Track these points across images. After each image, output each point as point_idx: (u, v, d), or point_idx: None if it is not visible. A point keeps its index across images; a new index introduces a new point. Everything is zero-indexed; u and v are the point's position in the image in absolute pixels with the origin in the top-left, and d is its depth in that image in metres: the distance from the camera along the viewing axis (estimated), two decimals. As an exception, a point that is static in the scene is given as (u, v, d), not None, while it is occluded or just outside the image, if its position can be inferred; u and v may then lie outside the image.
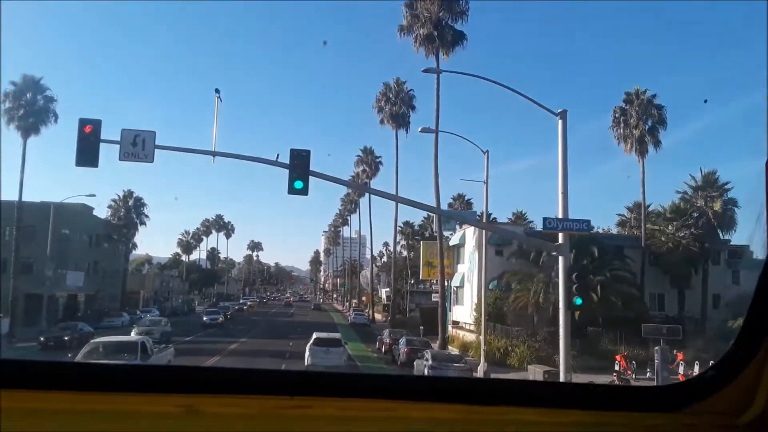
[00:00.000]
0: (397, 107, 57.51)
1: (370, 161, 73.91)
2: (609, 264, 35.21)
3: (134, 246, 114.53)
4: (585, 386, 2.37)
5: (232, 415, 1.85)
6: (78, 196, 55.75)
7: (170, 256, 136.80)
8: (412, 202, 22.54)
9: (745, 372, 2.00)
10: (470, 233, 42.37)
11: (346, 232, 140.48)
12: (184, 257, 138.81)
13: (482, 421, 1.90)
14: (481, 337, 29.78)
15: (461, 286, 43.92)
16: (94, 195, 52.67)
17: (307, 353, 27.18)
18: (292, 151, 19.59)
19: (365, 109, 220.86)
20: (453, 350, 34.88)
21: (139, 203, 70.05)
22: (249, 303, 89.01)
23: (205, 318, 55.49)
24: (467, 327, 42.73)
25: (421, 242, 47.20)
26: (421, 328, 43.86)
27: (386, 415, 1.90)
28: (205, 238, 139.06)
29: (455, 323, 46.20)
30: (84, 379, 1.95)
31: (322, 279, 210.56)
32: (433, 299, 46.19)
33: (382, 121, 58.41)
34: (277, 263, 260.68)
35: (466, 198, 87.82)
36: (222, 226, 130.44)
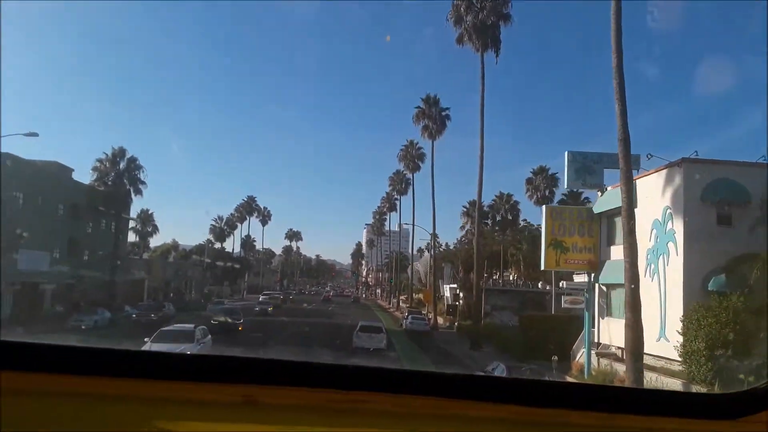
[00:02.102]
0: (484, 15, 37.45)
1: (434, 114, 53.84)
2: None
3: (155, 230, 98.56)
4: (641, 391, 2.25)
5: (288, 407, 1.83)
6: (12, 135, 38.21)
7: (202, 243, 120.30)
8: None
9: None
10: (650, 185, 21.92)
11: (392, 220, 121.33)
12: (217, 245, 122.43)
13: (537, 422, 1.85)
14: None
15: (622, 284, 23.45)
16: (35, 134, 33.57)
17: (354, 338, 31.28)
18: None
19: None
20: None
21: (134, 165, 51.86)
22: (271, 301, 63.26)
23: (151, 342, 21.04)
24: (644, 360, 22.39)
25: (543, 209, 26.80)
26: (555, 358, 23.77)
27: (441, 413, 1.84)
28: (239, 224, 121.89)
29: (603, 348, 25.85)
30: (136, 367, 1.88)
31: (365, 272, 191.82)
32: (565, 305, 25.97)
33: (459, 39, 38.51)
34: (318, 255, 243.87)
35: (549, 170, 67.28)
36: (254, 209, 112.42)
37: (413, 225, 70.06)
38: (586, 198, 69.25)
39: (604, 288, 25.67)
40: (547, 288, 57.30)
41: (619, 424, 1.87)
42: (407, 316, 53.11)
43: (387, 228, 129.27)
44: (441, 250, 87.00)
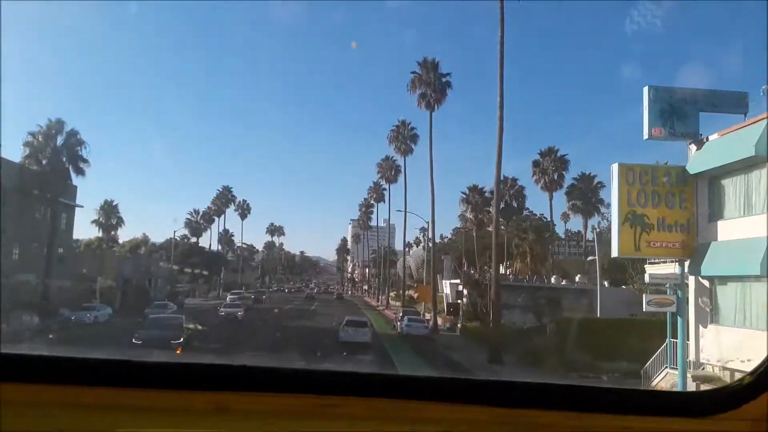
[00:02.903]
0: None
1: (433, 80, 45.49)
2: None
3: (120, 222, 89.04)
4: (619, 390, 2.26)
5: (261, 413, 1.81)
6: None
7: (178, 238, 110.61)
8: None
9: None
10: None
11: (380, 212, 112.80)
12: (193, 240, 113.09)
13: (514, 422, 1.82)
14: None
15: (747, 276, 15.40)
16: None
17: (340, 332, 31.35)
18: None
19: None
20: None
21: (74, 140, 42.84)
22: (240, 302, 51.07)
23: None
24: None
25: (615, 167, 18.54)
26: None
27: (416, 416, 1.82)
28: (216, 218, 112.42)
29: (698, 367, 17.76)
30: (109, 375, 1.86)
31: (350, 268, 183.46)
32: (649, 306, 17.72)
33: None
34: (302, 252, 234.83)
35: (558, 152, 59.53)
36: (230, 200, 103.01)
37: (405, 211, 61.73)
38: (600, 182, 61.89)
39: (705, 283, 17.57)
40: (563, 282, 49.51)
41: (597, 424, 1.84)
42: (402, 317, 44.77)
43: (374, 221, 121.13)
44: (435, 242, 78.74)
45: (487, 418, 1.81)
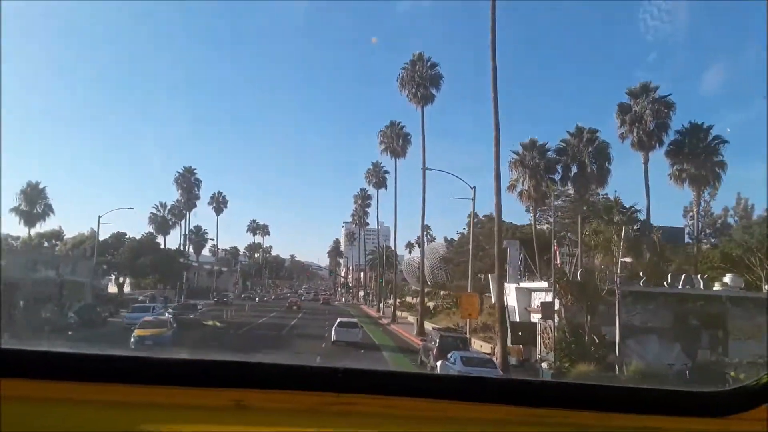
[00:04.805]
0: None
1: None
2: None
3: (48, 211, 68.35)
4: (636, 390, 2.18)
5: (279, 410, 1.80)
6: None
7: (143, 235, 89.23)
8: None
9: None
10: None
11: (380, 203, 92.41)
12: (159, 239, 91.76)
13: (530, 422, 1.79)
14: None
15: None
16: None
17: (332, 332, 32.24)
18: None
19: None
20: None
21: None
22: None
23: None
24: None
25: None
26: None
27: (433, 415, 1.80)
28: (187, 213, 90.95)
29: None
30: (128, 372, 1.82)
31: (343, 272, 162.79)
32: None
33: None
34: (292, 256, 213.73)
35: (657, 90, 39.44)
36: (193, 185, 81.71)
37: (425, 169, 41.23)
38: (718, 137, 41.89)
39: None
40: (716, 288, 29.11)
41: (614, 424, 1.83)
42: (440, 347, 24.32)
43: (372, 216, 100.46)
44: (416, 251, 58.31)
45: (505, 417, 1.76)
